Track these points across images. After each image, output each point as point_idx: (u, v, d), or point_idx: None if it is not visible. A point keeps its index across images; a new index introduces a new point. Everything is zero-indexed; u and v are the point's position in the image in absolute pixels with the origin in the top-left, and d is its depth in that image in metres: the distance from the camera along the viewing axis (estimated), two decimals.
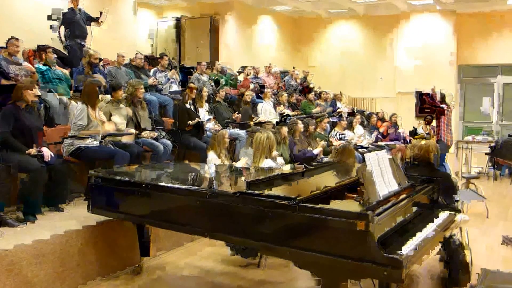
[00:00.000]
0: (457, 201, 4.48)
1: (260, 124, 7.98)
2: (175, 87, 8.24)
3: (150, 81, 7.78)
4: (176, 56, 13.91)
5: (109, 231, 4.27)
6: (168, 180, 4.09)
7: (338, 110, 10.69)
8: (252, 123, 8.00)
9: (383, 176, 3.11)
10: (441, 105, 9.18)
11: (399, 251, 2.61)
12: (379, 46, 15.44)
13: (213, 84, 9.33)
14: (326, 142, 8.11)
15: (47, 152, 4.42)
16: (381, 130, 10.81)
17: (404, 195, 3.16)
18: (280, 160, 6.11)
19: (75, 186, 5.07)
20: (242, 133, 7.28)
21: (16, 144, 4.35)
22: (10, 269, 3.48)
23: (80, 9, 7.87)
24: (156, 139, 5.97)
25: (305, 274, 3.17)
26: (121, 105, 5.86)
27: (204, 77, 9.20)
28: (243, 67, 11.17)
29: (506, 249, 5.23)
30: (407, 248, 2.68)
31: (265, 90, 9.60)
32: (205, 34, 14.03)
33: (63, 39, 7.77)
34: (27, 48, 7.06)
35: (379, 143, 9.61)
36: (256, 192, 3.05)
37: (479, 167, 10.80)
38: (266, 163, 5.23)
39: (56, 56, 6.66)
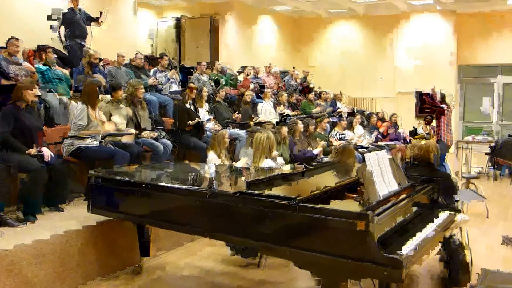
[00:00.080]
0: (457, 201, 4.48)
1: (260, 124, 7.98)
2: (175, 87, 8.24)
3: (150, 81, 7.78)
4: (176, 56, 13.91)
5: (109, 231, 4.27)
6: (168, 180, 4.09)
7: (338, 110, 10.69)
8: (252, 123, 8.00)
9: (383, 176, 3.11)
10: (441, 105, 9.18)
11: (399, 251, 2.61)
12: (379, 46, 15.44)
13: (213, 84, 9.34)
14: (326, 142, 8.11)
15: (47, 152, 4.42)
16: (381, 130, 10.81)
17: (404, 195, 3.16)
18: (280, 160, 6.11)
19: (75, 186, 5.07)
20: (242, 133, 7.28)
21: (16, 144, 4.35)
22: (10, 269, 3.48)
23: (80, 9, 7.87)
24: (156, 139, 5.97)
25: (305, 274, 3.17)
26: (121, 105, 5.86)
27: (204, 77, 9.20)
28: (243, 67, 11.17)
29: (506, 249, 5.23)
30: (407, 248, 2.68)
31: (265, 90, 9.60)
32: (205, 34, 14.03)
33: (63, 39, 7.77)
34: (27, 48, 7.06)
35: (379, 143, 9.61)
36: (256, 192, 3.04)
37: (479, 167, 10.80)
38: (266, 163, 5.23)
39: (56, 56, 6.66)
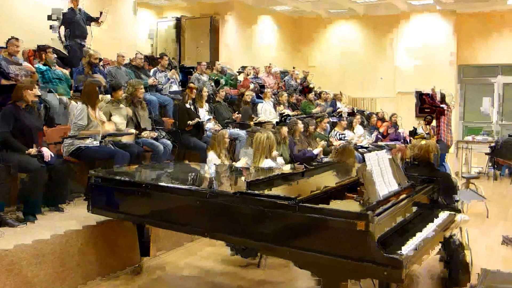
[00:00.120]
0: (457, 201, 4.48)
1: (260, 124, 7.98)
2: (175, 87, 8.24)
3: (150, 81, 7.78)
4: (176, 56, 13.91)
5: (109, 231, 4.27)
6: (168, 180, 4.09)
7: (338, 110, 10.69)
8: (252, 123, 8.00)
9: (383, 176, 3.11)
10: (441, 105, 9.18)
11: (399, 251, 2.61)
12: (379, 46, 15.44)
13: (213, 84, 9.34)
14: (326, 142, 8.11)
15: (47, 152, 4.42)
16: (381, 130, 10.81)
17: (404, 195, 3.16)
18: (280, 160, 6.11)
19: (75, 186, 5.07)
20: (242, 133, 7.28)
21: (16, 144, 4.35)
22: (10, 269, 3.48)
23: (80, 9, 7.87)
24: (156, 139, 5.97)
25: (305, 274, 3.17)
26: (121, 105, 5.86)
27: (204, 77, 9.20)
28: (243, 67, 11.17)
29: (506, 249, 5.23)
30: (407, 248, 2.68)
31: (265, 90, 9.60)
32: (205, 34, 14.03)
33: (63, 39, 7.77)
34: (27, 48, 7.06)
35: (379, 143, 9.61)
36: (256, 192, 3.04)
37: (479, 167, 10.81)
38: (266, 163, 5.23)
39: (56, 56, 6.66)
